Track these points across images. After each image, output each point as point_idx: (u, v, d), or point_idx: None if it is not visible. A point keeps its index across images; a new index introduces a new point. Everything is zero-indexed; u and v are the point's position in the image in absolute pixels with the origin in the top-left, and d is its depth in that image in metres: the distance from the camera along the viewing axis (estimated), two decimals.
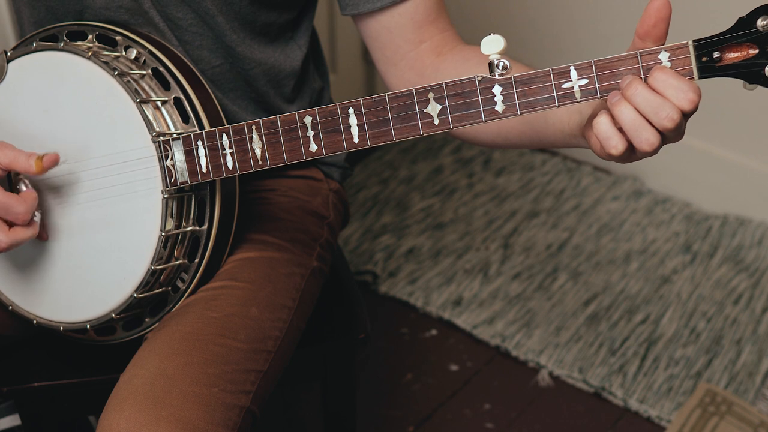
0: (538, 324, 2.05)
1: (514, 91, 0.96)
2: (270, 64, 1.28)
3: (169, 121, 1.13)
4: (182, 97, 1.14)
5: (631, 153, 0.98)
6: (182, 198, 1.14)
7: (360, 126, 1.03)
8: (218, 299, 1.19)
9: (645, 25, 0.93)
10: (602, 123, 0.95)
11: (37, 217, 1.14)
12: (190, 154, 1.10)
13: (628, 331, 2.04)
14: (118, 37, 1.18)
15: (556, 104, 0.96)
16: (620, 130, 0.95)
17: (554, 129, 1.09)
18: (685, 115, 0.94)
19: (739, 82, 0.93)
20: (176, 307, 1.20)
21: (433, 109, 0.99)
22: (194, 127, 1.13)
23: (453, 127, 0.99)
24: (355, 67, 2.54)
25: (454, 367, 1.98)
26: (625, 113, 0.93)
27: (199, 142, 1.10)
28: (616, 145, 0.95)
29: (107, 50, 1.17)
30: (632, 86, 0.93)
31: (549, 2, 2.47)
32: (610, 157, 0.99)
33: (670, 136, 0.95)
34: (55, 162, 1.11)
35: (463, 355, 2.01)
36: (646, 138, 0.94)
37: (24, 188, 1.15)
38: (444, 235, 2.27)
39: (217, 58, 1.25)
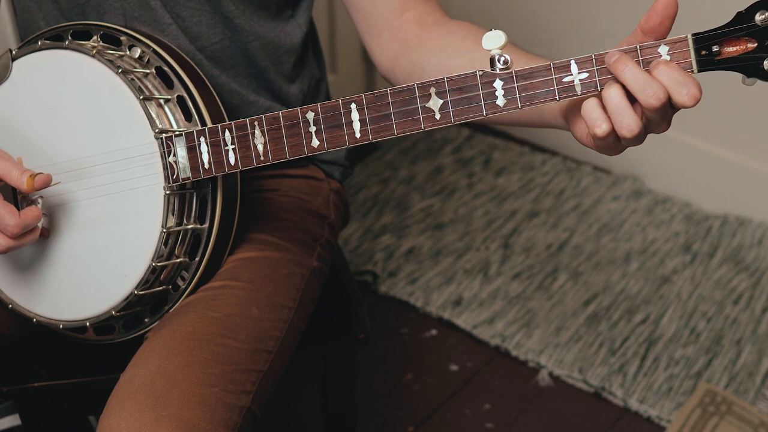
0: (538, 324, 2.05)
1: (515, 85, 0.97)
2: (269, 38, 1.28)
3: (172, 119, 1.14)
4: (185, 95, 1.15)
5: (616, 141, 0.98)
6: (184, 195, 1.14)
7: (362, 121, 1.03)
8: (219, 299, 1.19)
9: (650, 22, 0.94)
10: (590, 103, 0.96)
11: (41, 224, 1.14)
12: (193, 151, 1.11)
13: (628, 331, 2.04)
14: (122, 37, 1.19)
15: (557, 98, 0.97)
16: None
17: (533, 108, 1.09)
18: (675, 108, 0.95)
19: (738, 79, 0.93)
20: (176, 306, 1.20)
21: (435, 103, 1.00)
22: (197, 125, 1.14)
23: (454, 122, 1.00)
24: (355, 67, 2.54)
25: (454, 367, 1.98)
26: (613, 94, 0.94)
27: (202, 139, 1.10)
28: (601, 125, 0.95)
29: (111, 49, 1.18)
30: (622, 61, 0.93)
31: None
32: (591, 142, 1.00)
33: (654, 120, 0.95)
34: (47, 183, 1.11)
35: (463, 355, 2.01)
36: (627, 123, 0.94)
37: (39, 204, 1.15)
38: (444, 235, 2.28)
39: (215, 33, 1.25)
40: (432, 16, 1.24)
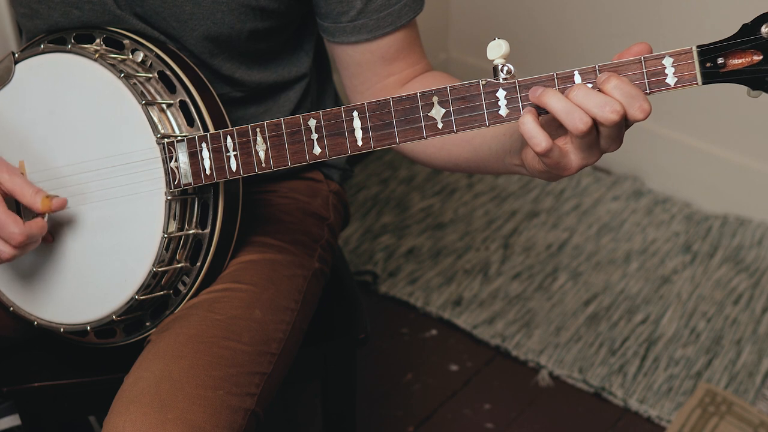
0: (538, 324, 2.05)
1: (518, 95, 0.96)
2: (272, 79, 1.29)
3: (174, 124, 1.14)
4: (188, 100, 1.14)
5: (559, 162, 0.98)
6: (185, 201, 1.14)
7: (364, 129, 1.03)
8: (222, 302, 1.19)
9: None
10: (528, 122, 0.95)
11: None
12: (194, 156, 1.10)
13: (628, 331, 2.04)
14: (125, 41, 1.18)
15: None
16: (544, 128, 0.96)
17: (496, 157, 1.10)
18: (628, 124, 0.95)
19: (742, 86, 0.93)
20: (178, 309, 1.20)
21: (437, 112, 1.00)
22: (199, 130, 1.13)
23: (456, 131, 0.99)
24: None
25: (454, 367, 1.98)
26: (554, 101, 0.94)
27: (204, 144, 1.10)
28: (540, 143, 0.95)
29: (114, 53, 1.18)
30: (575, 89, 0.94)
31: (552, 6, 2.46)
32: (542, 171, 1.00)
33: (610, 136, 0.95)
34: (62, 207, 1.12)
35: (463, 355, 2.01)
36: (579, 118, 0.93)
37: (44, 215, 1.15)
38: (444, 235, 2.27)
39: (217, 87, 1.24)
40: (414, 75, 1.25)
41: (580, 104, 0.93)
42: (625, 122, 0.95)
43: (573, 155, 0.98)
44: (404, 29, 1.21)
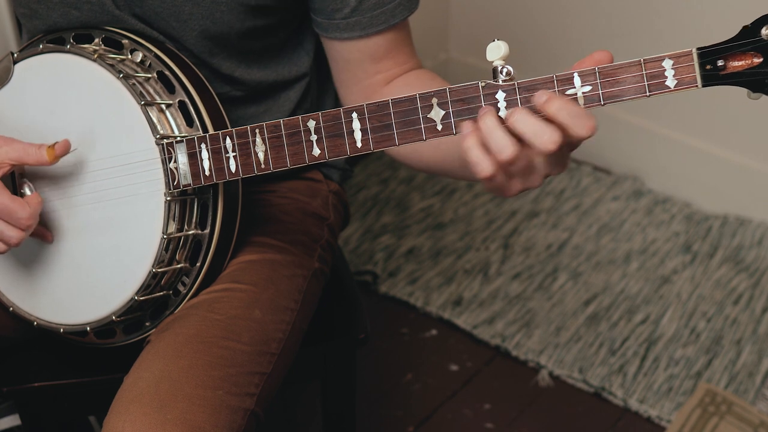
0: (538, 324, 2.05)
1: (518, 97, 0.96)
2: (272, 78, 1.29)
3: (174, 124, 1.13)
4: (187, 100, 1.14)
5: (502, 185, 0.97)
6: (185, 201, 1.14)
7: (363, 131, 1.02)
8: (221, 302, 1.19)
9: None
10: (472, 148, 0.95)
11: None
12: (194, 157, 1.10)
13: (628, 331, 2.04)
14: (124, 41, 1.18)
15: None
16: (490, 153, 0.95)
17: (461, 164, 1.09)
18: (572, 145, 0.94)
19: (743, 89, 0.93)
20: (178, 310, 1.20)
21: (437, 114, 0.99)
22: (198, 130, 1.13)
23: (456, 133, 0.99)
24: None
25: (454, 367, 1.98)
26: (489, 131, 0.93)
27: (203, 145, 1.10)
28: (485, 169, 0.94)
29: (113, 53, 1.18)
30: (515, 113, 0.93)
31: (552, 6, 2.46)
32: (489, 188, 1.00)
33: (549, 161, 0.95)
34: (67, 149, 1.12)
35: (463, 355, 2.01)
36: (503, 146, 0.93)
37: (28, 192, 1.15)
38: (444, 235, 2.27)
39: (216, 86, 1.24)
40: (401, 74, 1.25)
41: (519, 132, 0.92)
42: (569, 144, 0.94)
43: (514, 179, 0.97)
44: (396, 28, 1.22)
